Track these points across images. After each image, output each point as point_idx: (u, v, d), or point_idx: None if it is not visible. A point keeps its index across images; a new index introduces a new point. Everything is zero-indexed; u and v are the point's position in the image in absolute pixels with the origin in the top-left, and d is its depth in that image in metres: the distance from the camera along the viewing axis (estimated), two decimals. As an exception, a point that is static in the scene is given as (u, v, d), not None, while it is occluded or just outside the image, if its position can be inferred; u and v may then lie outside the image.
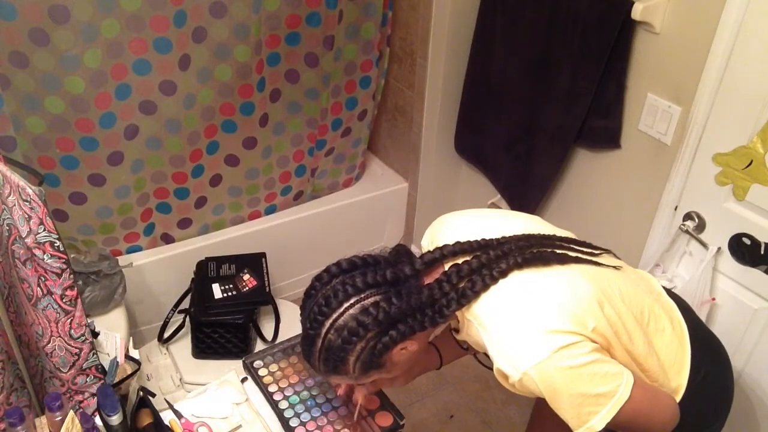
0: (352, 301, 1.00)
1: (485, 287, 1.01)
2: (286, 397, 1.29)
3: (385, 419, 1.24)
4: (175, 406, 1.26)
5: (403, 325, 1.00)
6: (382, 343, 1.00)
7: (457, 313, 1.05)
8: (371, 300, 1.00)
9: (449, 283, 1.02)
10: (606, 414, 0.96)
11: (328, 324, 1.00)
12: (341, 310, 1.00)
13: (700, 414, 1.13)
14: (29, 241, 1.08)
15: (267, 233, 2.31)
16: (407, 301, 1.00)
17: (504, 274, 1.01)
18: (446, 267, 1.06)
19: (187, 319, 2.00)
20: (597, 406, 0.96)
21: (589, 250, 1.12)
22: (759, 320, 1.47)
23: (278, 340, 1.87)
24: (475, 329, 1.02)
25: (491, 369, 1.02)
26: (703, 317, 1.53)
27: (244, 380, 1.35)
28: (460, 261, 1.04)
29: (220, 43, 1.89)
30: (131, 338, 1.72)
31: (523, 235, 1.09)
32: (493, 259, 1.02)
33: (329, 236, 2.44)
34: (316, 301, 1.02)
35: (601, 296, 1.02)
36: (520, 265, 1.01)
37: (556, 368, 0.94)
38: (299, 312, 1.07)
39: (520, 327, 0.97)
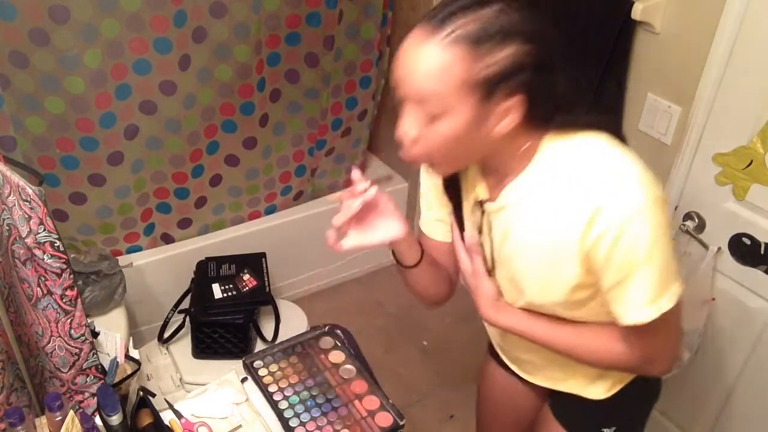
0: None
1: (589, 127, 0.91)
2: (285, 397, 1.29)
3: (385, 419, 1.24)
4: (175, 406, 1.26)
5: (544, 76, 0.84)
6: (516, 63, 0.81)
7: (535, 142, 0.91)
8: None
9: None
10: (672, 296, 0.90)
11: None
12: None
13: None
14: (29, 241, 1.08)
15: (267, 233, 2.31)
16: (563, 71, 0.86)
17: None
18: None
19: (187, 319, 2.00)
20: (670, 283, 0.90)
21: None
22: (759, 320, 1.47)
23: (278, 340, 1.87)
24: (562, 161, 0.90)
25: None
26: (703, 318, 1.53)
27: (244, 380, 1.35)
28: None
29: (220, 43, 1.89)
30: (131, 338, 1.72)
31: None
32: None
33: (329, 236, 2.44)
34: None
35: None
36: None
37: (661, 214, 0.86)
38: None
39: (629, 167, 0.86)
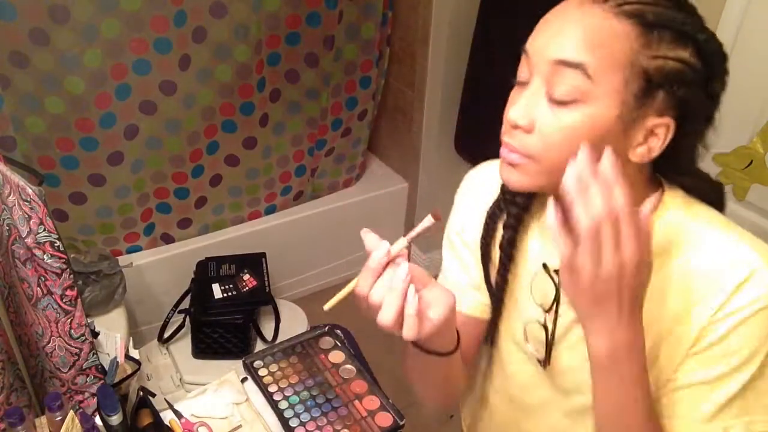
0: None
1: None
2: (286, 397, 1.29)
3: (385, 419, 1.24)
4: (175, 406, 1.26)
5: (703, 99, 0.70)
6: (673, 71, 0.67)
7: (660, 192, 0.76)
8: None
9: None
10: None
11: None
12: None
13: None
14: (29, 241, 1.08)
15: (267, 233, 2.31)
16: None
17: None
18: None
19: (187, 319, 2.00)
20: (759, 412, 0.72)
21: None
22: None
23: (278, 340, 1.87)
24: (688, 219, 0.74)
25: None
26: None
27: (244, 380, 1.34)
28: None
29: (220, 43, 1.89)
30: (131, 338, 1.72)
31: None
32: None
33: (329, 236, 2.44)
34: None
35: None
36: None
37: None
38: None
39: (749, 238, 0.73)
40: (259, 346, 2.03)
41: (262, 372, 1.35)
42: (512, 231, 0.84)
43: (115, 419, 1.10)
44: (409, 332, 0.69)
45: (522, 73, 0.73)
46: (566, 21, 0.68)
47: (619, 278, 0.64)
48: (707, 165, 1.47)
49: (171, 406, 1.26)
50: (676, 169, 0.73)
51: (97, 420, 1.14)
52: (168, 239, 2.20)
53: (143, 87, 1.84)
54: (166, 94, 1.88)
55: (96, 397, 1.19)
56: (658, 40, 0.67)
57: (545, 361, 0.83)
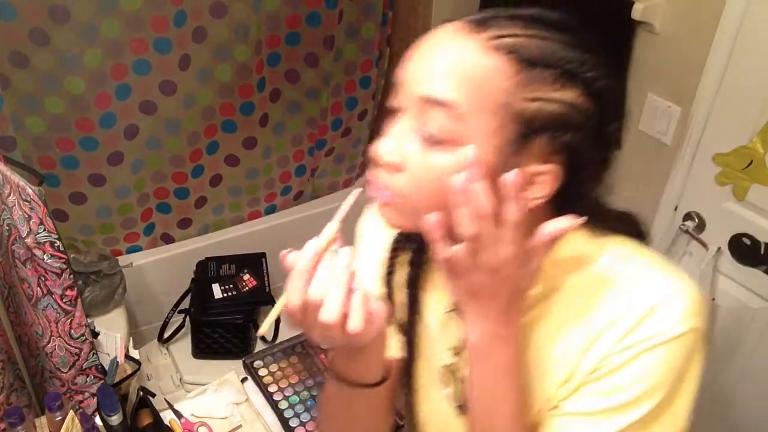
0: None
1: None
2: (286, 397, 1.29)
3: (385, 419, 1.24)
4: (175, 406, 1.26)
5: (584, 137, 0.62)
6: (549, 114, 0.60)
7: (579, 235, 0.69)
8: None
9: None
10: None
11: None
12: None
13: None
14: (29, 241, 1.08)
15: (267, 233, 2.31)
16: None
17: None
18: None
19: (187, 319, 2.00)
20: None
21: None
22: (759, 320, 1.47)
23: (278, 340, 1.87)
24: (608, 264, 0.69)
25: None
26: (703, 317, 1.53)
27: (244, 380, 1.34)
28: None
29: (220, 43, 1.89)
30: (131, 338, 1.72)
31: None
32: None
33: (329, 236, 2.44)
34: None
35: None
36: None
37: (698, 367, 0.67)
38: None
39: (686, 285, 0.67)
40: (259, 346, 2.03)
41: (262, 372, 1.35)
42: (416, 268, 0.78)
43: (115, 419, 1.10)
44: (356, 324, 0.61)
45: (393, 101, 0.65)
46: (437, 52, 0.62)
47: (493, 272, 0.61)
48: (707, 165, 1.47)
49: (171, 406, 1.26)
50: (580, 211, 0.64)
51: (97, 420, 1.14)
52: (168, 239, 2.20)
53: (143, 87, 1.84)
54: (166, 94, 1.88)
55: (96, 397, 1.19)
56: (538, 80, 0.59)
57: (463, 406, 0.75)
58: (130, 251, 2.11)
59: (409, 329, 0.80)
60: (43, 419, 1.12)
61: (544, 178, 0.62)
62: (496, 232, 0.59)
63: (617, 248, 0.70)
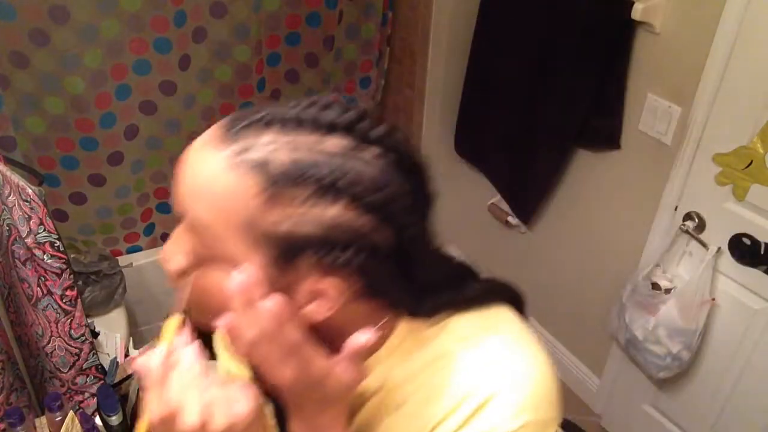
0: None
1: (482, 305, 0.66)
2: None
3: (385, 419, 1.24)
4: (175, 406, 1.26)
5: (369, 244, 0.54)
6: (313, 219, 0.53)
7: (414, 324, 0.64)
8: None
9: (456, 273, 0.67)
10: None
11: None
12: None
13: None
14: (29, 241, 1.08)
15: (267, 233, 2.31)
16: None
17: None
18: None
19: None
20: None
21: None
22: (759, 320, 1.47)
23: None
24: (449, 346, 0.64)
25: None
26: (703, 318, 1.53)
27: (244, 380, 1.34)
28: None
29: (220, 43, 1.89)
30: (131, 338, 1.72)
31: None
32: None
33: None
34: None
35: None
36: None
37: None
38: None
39: (537, 373, 0.62)
40: (259, 346, 2.03)
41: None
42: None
43: (115, 419, 1.10)
44: (220, 421, 0.54)
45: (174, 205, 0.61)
46: (186, 169, 0.58)
47: (291, 386, 0.57)
48: (707, 165, 1.47)
49: (171, 406, 1.25)
50: (413, 295, 0.59)
51: (97, 420, 1.14)
52: (168, 239, 2.20)
53: (143, 87, 1.84)
54: (166, 94, 1.88)
55: (96, 397, 1.19)
56: (288, 198, 0.52)
57: None
58: (130, 251, 2.11)
59: (279, 413, 0.70)
60: (43, 419, 1.12)
61: (330, 291, 0.55)
62: (278, 351, 0.55)
63: (459, 330, 0.64)
